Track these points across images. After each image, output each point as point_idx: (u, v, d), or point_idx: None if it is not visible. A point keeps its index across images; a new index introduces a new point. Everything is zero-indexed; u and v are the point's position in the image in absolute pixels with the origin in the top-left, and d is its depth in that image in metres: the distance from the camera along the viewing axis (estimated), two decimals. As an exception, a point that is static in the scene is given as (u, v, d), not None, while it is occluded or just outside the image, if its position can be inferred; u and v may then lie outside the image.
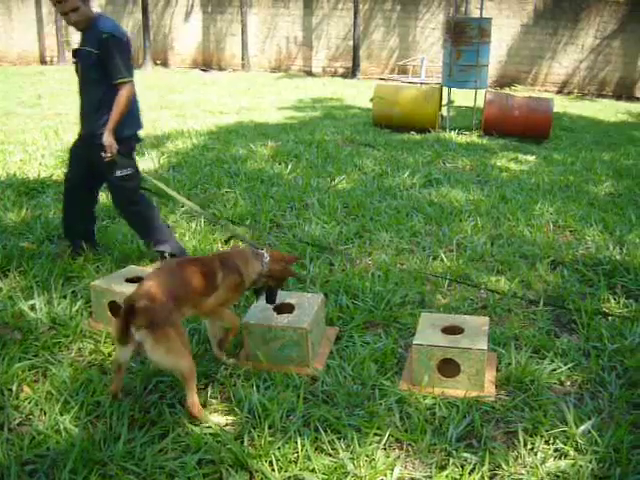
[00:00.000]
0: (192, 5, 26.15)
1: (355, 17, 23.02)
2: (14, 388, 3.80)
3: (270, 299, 4.26)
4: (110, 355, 4.20)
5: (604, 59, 21.32)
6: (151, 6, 25.46)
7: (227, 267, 3.98)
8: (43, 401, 3.69)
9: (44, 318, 4.61)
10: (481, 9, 12.86)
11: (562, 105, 17.11)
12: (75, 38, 27.07)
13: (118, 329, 3.42)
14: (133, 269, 4.96)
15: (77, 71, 5.27)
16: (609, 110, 17.84)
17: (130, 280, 4.65)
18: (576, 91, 21.62)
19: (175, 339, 3.46)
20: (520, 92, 18.86)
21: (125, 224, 6.50)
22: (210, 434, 3.43)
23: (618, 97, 21.00)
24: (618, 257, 5.96)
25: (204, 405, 3.70)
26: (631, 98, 20.78)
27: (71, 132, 11.02)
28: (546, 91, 21.51)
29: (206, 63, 26.25)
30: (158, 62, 26.08)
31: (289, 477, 3.15)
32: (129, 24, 26.97)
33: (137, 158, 8.98)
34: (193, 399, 3.52)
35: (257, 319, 4.22)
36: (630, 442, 3.43)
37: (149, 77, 21.80)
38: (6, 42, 25.71)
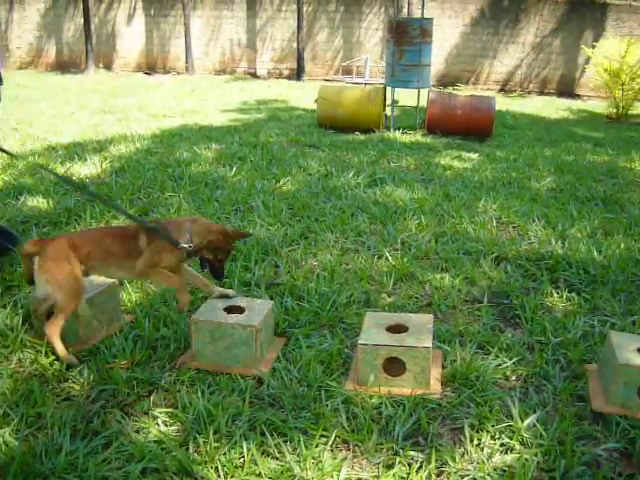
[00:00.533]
0: (134, 8, 25.92)
1: (299, 19, 23.05)
2: (-49, 402, 3.70)
3: (213, 273, 4.41)
4: (51, 365, 4.11)
5: (545, 57, 21.70)
6: (93, 9, 25.15)
7: (152, 233, 4.28)
8: (-18, 414, 3.59)
9: (-17, 329, 4.49)
10: (422, 9, 12.95)
11: (504, 103, 17.36)
12: (16, 42, 26.69)
13: (25, 269, 4.26)
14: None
15: None
16: (550, 107, 18.14)
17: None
18: (518, 89, 21.96)
19: (56, 273, 4.09)
20: (463, 91, 19.06)
21: (66, 230, 6.40)
22: (154, 442, 3.37)
23: (559, 94, 21.37)
24: (560, 251, 6.04)
25: (147, 412, 3.64)
26: (572, 95, 21.17)
27: (11, 139, 10.84)
28: (489, 89, 21.81)
29: (150, 66, 26.03)
30: (101, 66, 25.78)
31: (235, 482, 3.12)
32: (71, 28, 26.64)
33: (79, 163, 8.92)
34: (53, 328, 4.07)
35: (206, 316, 4.18)
36: (574, 434, 3.46)
37: (92, 81, 21.53)
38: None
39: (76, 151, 9.91)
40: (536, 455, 3.31)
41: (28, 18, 26.96)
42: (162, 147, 10.44)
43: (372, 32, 23.42)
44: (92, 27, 24.90)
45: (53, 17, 26.86)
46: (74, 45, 26.75)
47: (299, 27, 23.19)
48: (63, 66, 26.87)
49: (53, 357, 4.19)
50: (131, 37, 26.20)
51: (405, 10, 21.97)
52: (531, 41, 21.76)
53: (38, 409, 3.65)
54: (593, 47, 17.88)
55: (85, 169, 8.83)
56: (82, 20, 24.57)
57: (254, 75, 25.00)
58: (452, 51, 22.59)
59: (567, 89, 21.42)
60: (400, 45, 12.25)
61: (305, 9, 23.30)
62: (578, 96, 21.17)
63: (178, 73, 25.08)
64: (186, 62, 24.99)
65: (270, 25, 24.64)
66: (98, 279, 4.77)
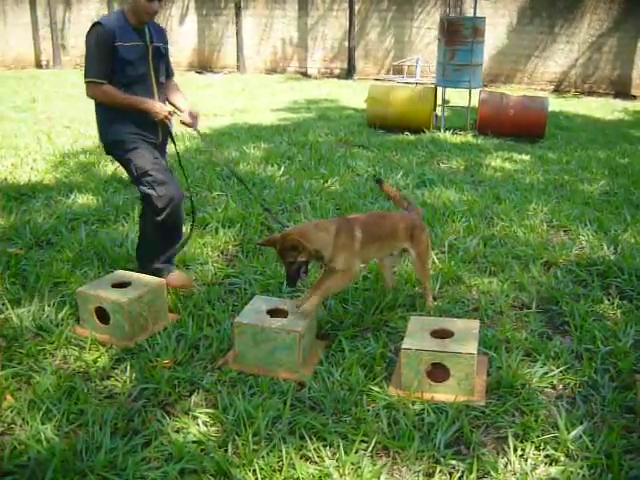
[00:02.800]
0: (187, 7, 26.11)
1: (350, 17, 22.97)
2: (-4, 397, 3.74)
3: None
4: (95, 362, 4.14)
5: (600, 57, 21.27)
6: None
7: None
8: (25, 410, 3.61)
9: (30, 325, 4.55)
10: (475, 8, 12.78)
11: (558, 104, 17.07)
12: (72, 41, 27.12)
13: None
14: (120, 274, 4.89)
15: (147, 66, 5.00)
16: (605, 108, 17.79)
17: (116, 285, 4.59)
18: (572, 89, 21.57)
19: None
20: (515, 91, 18.80)
21: (114, 228, 6.47)
22: (194, 442, 3.37)
23: (614, 95, 20.94)
24: (612, 257, 5.90)
25: (187, 412, 3.64)
26: (627, 96, 20.72)
27: (64, 136, 11.01)
28: (542, 90, 21.46)
29: (202, 65, 26.21)
30: (153, 65, 26.00)
31: (273, 486, 3.09)
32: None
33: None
34: None
35: (250, 319, 4.17)
36: (622, 447, 3.37)
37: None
38: (1, 46, 25.63)
39: (127, 149, 9.98)
40: (582, 468, 3.23)
41: (85, 17, 27.32)
42: (211, 146, 10.47)
43: (424, 31, 23.23)
44: (146, 26, 25.17)
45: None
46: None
47: (350, 26, 23.10)
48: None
49: (97, 354, 4.23)
50: (183, 36, 26.40)
51: (458, 9, 21.76)
52: (586, 40, 21.35)
53: (80, 406, 3.68)
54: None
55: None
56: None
57: (305, 74, 25.00)
58: (504, 50, 22.28)
59: (623, 90, 20.96)
60: (452, 44, 12.13)
61: (357, 8, 23.21)
62: (634, 97, 20.70)
63: (229, 72, 25.21)
64: (237, 61, 25.10)
65: (321, 24, 24.61)
66: (145, 277, 4.80)
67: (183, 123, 5.30)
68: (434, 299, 5.08)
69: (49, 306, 4.81)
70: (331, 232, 4.31)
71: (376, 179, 5.56)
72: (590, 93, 21.30)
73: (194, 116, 5.27)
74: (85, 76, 4.83)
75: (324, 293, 4.38)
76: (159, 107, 4.91)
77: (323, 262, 4.35)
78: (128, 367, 4.07)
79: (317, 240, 4.22)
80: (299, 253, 4.13)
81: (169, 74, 5.29)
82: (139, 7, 4.73)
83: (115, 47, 4.70)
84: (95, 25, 4.76)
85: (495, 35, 21.19)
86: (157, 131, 5.10)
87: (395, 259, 5.11)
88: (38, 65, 26.65)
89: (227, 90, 19.30)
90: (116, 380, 3.97)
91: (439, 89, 12.94)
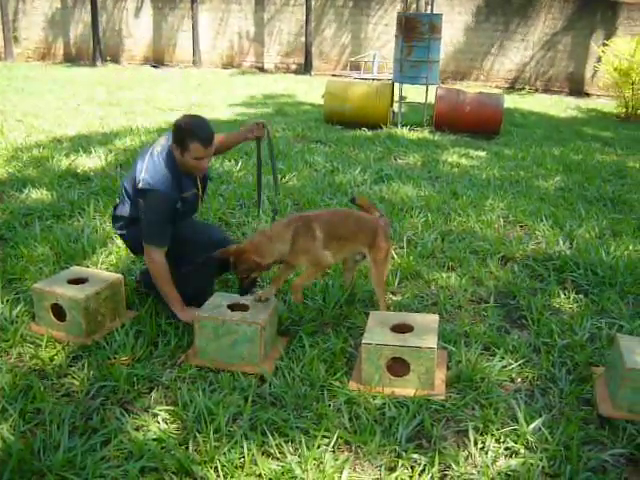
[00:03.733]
0: (142, 1, 25.85)
1: (307, 13, 22.99)
2: (-51, 396, 3.65)
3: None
4: (51, 359, 4.07)
5: (554, 55, 21.59)
6: (101, 2, 25.09)
7: None
8: (-20, 409, 3.54)
9: (-17, 322, 4.45)
10: (432, 5, 12.90)
11: (513, 101, 17.27)
12: (24, 34, 26.65)
13: None
14: (76, 270, 4.81)
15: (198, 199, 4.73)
16: (559, 106, 18.05)
17: (72, 281, 4.51)
18: (526, 87, 21.85)
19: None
20: (471, 88, 18.96)
21: (69, 223, 6.37)
22: (154, 440, 3.32)
23: (568, 93, 21.26)
24: (568, 252, 5.97)
25: (147, 409, 3.60)
26: (581, 94, 21.06)
27: (17, 130, 10.80)
28: (497, 87, 21.70)
29: (157, 59, 25.99)
30: (109, 58, 25.73)
31: (235, 483, 3.06)
32: (79, 20, 26.60)
33: (84, 155, 8.88)
34: None
35: (210, 313, 4.13)
36: (580, 438, 3.42)
37: (99, 74, 21.49)
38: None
39: (81, 144, 9.86)
40: (541, 460, 3.26)
41: (36, 9, 26.91)
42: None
43: (381, 28, 23.32)
44: (100, 19, 24.87)
45: (61, 9, 26.81)
46: (82, 37, 26.69)
47: (307, 21, 23.11)
48: (71, 59, 26.84)
49: (54, 352, 4.15)
50: (138, 30, 26.14)
51: (414, 6, 21.87)
52: (540, 38, 21.64)
53: (37, 405, 3.61)
54: (604, 45, 17.74)
55: (90, 162, 8.78)
56: (90, 12, 24.51)
57: (261, 69, 24.93)
58: (461, 47, 22.48)
59: (576, 88, 21.29)
60: (409, 41, 12.18)
61: (313, 3, 23.21)
62: (587, 95, 21.05)
63: (185, 66, 25.02)
64: (193, 55, 24.94)
65: (278, 19, 24.56)
66: (103, 273, 4.74)
67: (256, 137, 4.98)
68: (393, 294, 5.11)
69: (3, 303, 4.70)
70: (287, 239, 4.27)
71: (351, 199, 5.34)
72: (544, 90, 21.60)
73: (260, 126, 4.90)
74: (148, 240, 4.39)
75: (298, 285, 4.42)
76: (184, 317, 4.43)
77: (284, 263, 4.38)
78: (85, 364, 4.01)
79: (273, 253, 4.23)
80: (253, 270, 4.18)
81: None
82: (188, 166, 4.35)
83: (176, 209, 4.39)
84: (154, 191, 4.28)
85: (451, 32, 21.37)
86: None
87: (356, 263, 5.00)
88: (-12, 58, 26.19)
89: (183, 84, 19.16)
90: (73, 378, 3.89)
91: (396, 85, 12.99)
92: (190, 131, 4.21)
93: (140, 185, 4.28)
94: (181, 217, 4.47)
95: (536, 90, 21.64)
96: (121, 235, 4.80)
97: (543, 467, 3.22)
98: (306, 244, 4.30)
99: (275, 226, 4.43)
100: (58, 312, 4.38)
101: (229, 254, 4.20)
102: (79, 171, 8.33)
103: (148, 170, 4.30)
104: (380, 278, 4.66)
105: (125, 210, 4.59)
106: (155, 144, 4.51)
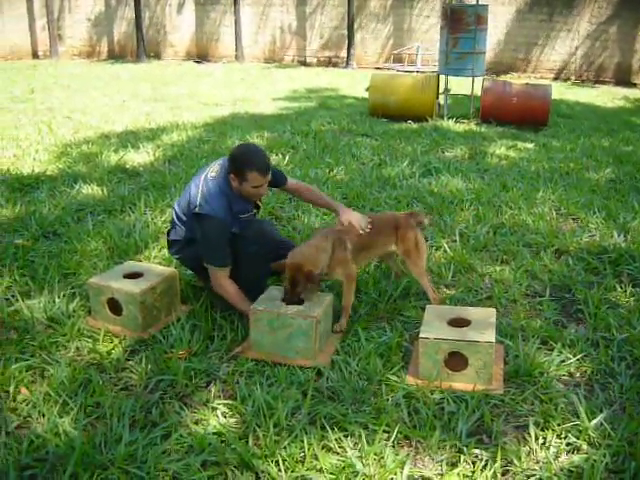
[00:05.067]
0: (185, -3, 26.02)
1: (349, 5, 22.87)
2: (11, 390, 3.69)
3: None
4: (109, 353, 4.11)
5: (600, 45, 21.22)
6: (144, -1, 25.32)
7: None
8: (41, 403, 3.58)
9: (41, 317, 4.51)
10: (477, -5, 12.72)
11: (559, 92, 17.00)
12: (69, 32, 26.99)
13: None
14: (131, 264, 4.86)
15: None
16: (606, 96, 17.75)
17: (128, 276, 4.55)
18: (573, 78, 21.53)
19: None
20: (516, 79, 18.74)
21: (121, 219, 6.43)
22: (214, 434, 3.34)
23: (615, 83, 20.90)
24: (623, 245, 5.87)
25: (205, 403, 3.61)
26: (628, 84, 20.67)
27: (65, 127, 10.94)
28: (542, 78, 21.39)
29: (200, 55, 26.12)
30: (152, 55, 25.94)
31: (296, 477, 3.05)
32: (123, 16, 26.86)
33: (132, 151, 8.97)
34: None
35: (265, 306, 4.14)
36: (644, 435, 3.35)
37: (143, 70, 21.67)
38: (-2, 37, 25.52)
39: (129, 139, 9.96)
40: (604, 456, 3.19)
41: (80, 7, 27.22)
42: (214, 135, 10.45)
43: (423, 19, 23.15)
44: (143, 16, 25.07)
45: (105, 6, 27.09)
46: (126, 34, 26.95)
47: (349, 14, 23.01)
48: (115, 55, 27.11)
49: (111, 346, 4.19)
50: (181, 26, 26.30)
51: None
52: (586, 28, 21.29)
53: (96, 399, 3.65)
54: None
55: (139, 157, 8.86)
56: (133, 9, 24.74)
57: (303, 63, 24.91)
58: (505, 38, 22.22)
59: (624, 78, 20.91)
60: (454, 32, 12.08)
61: (355, -4, 23.13)
62: (635, 85, 20.66)
63: (228, 61, 25.12)
64: (236, 50, 25.01)
65: (319, 12, 24.51)
66: (157, 268, 4.77)
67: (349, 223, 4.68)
68: (447, 287, 5.07)
69: (59, 297, 4.77)
70: (327, 252, 4.40)
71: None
72: (591, 81, 21.25)
73: (356, 218, 4.67)
74: (210, 263, 4.45)
75: (348, 306, 4.54)
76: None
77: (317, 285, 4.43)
78: (143, 358, 4.04)
79: (321, 264, 4.32)
80: (309, 282, 4.21)
81: (281, 182, 4.80)
82: (246, 194, 4.39)
83: (232, 232, 4.42)
84: (210, 217, 4.30)
85: (495, 24, 21.09)
86: None
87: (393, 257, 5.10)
88: (35, 56, 26.53)
89: (226, 79, 19.23)
90: (131, 372, 3.93)
91: (441, 77, 12.88)
92: (247, 161, 4.27)
93: (197, 210, 4.34)
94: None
95: (582, 81, 21.30)
96: (178, 259, 4.85)
97: (607, 463, 3.16)
98: (342, 255, 4.46)
99: (316, 238, 4.57)
100: (114, 306, 4.42)
101: (283, 267, 4.27)
102: (128, 166, 8.42)
103: (204, 195, 4.35)
104: (417, 268, 4.76)
105: (179, 234, 4.65)
106: (209, 169, 4.55)
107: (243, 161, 4.27)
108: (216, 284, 4.47)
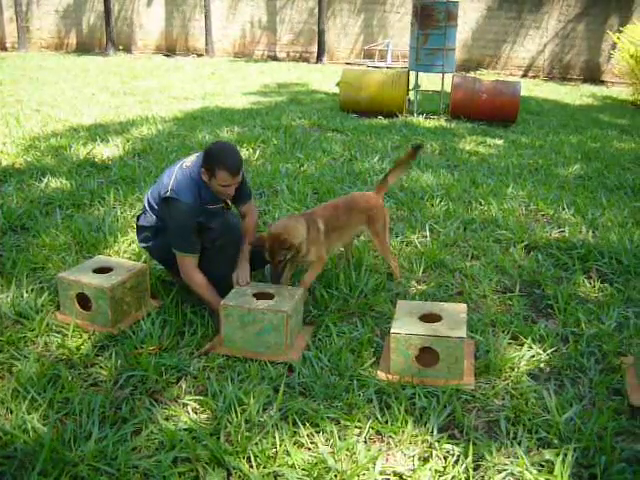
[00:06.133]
0: (154, -10, 25.80)
1: (320, 1, 22.82)
2: (-22, 386, 3.65)
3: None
4: (78, 349, 4.06)
5: (568, 43, 21.43)
6: (113, -10, 25.06)
7: None
8: (9, 399, 3.52)
9: (9, 311, 4.44)
10: (447, -8, 12.75)
11: (528, 89, 17.13)
12: (37, 24, 26.63)
13: None
14: (101, 259, 4.81)
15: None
16: (574, 93, 17.94)
17: (97, 271, 4.50)
18: (541, 75, 21.70)
19: None
20: (486, 76, 18.85)
21: (89, 212, 6.36)
22: (185, 430, 3.31)
23: (583, 81, 21.11)
24: (592, 240, 5.93)
25: (176, 399, 3.59)
26: (596, 81, 20.90)
27: (33, 120, 10.80)
28: (511, 75, 21.57)
29: (170, 49, 25.93)
30: (121, 48, 25.70)
31: (268, 473, 3.03)
32: (91, 9, 26.55)
33: (101, 144, 8.88)
34: None
35: (236, 302, 4.12)
36: (613, 429, 3.38)
37: (112, 63, 21.45)
38: (-37, 28, 25.13)
39: (98, 133, 9.86)
40: (575, 450, 3.22)
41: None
42: (184, 129, 10.37)
43: (393, 15, 23.19)
44: (112, 9, 24.82)
45: (74, -2, 26.81)
46: (94, 27, 26.66)
47: (320, 9, 22.98)
48: (84, 48, 26.81)
49: (80, 341, 4.14)
50: (151, 19, 26.08)
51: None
52: (555, 26, 21.48)
53: (66, 394, 3.60)
54: (619, 32, 17.58)
55: (108, 151, 8.77)
56: (103, 1, 24.49)
57: (273, 58, 24.85)
58: (474, 35, 22.34)
59: (591, 75, 21.13)
60: (425, 28, 12.11)
61: (326, -9, 23.10)
62: (602, 82, 20.89)
63: (198, 55, 24.97)
64: (206, 44, 24.88)
65: (290, 7, 24.45)
66: (127, 262, 4.73)
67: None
68: (417, 282, 5.09)
69: (27, 292, 4.70)
70: (304, 226, 4.51)
71: (416, 146, 5.47)
72: (559, 78, 21.44)
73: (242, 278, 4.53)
74: (177, 249, 4.42)
75: (309, 282, 4.64)
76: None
77: (296, 257, 4.50)
78: (113, 354, 4.00)
79: (299, 235, 4.43)
80: (288, 251, 4.33)
81: (244, 199, 4.77)
82: (215, 190, 4.38)
83: (198, 222, 4.39)
84: (178, 201, 4.30)
85: (465, 20, 21.20)
86: None
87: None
88: (2, 48, 26.20)
89: (196, 74, 19.11)
90: (101, 367, 3.89)
91: (411, 73, 12.91)
92: (219, 159, 4.26)
93: (167, 194, 4.33)
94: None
95: (551, 78, 21.49)
96: (146, 248, 4.81)
97: (577, 458, 3.19)
98: (315, 235, 4.56)
99: (292, 216, 4.82)
100: (83, 301, 4.37)
101: (264, 240, 4.37)
102: (97, 160, 8.33)
103: (176, 181, 4.36)
104: (385, 246, 5.07)
105: (148, 221, 4.63)
106: (186, 159, 4.57)
107: (215, 158, 4.26)
108: (184, 272, 4.44)
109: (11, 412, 3.43)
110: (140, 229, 4.74)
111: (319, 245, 4.58)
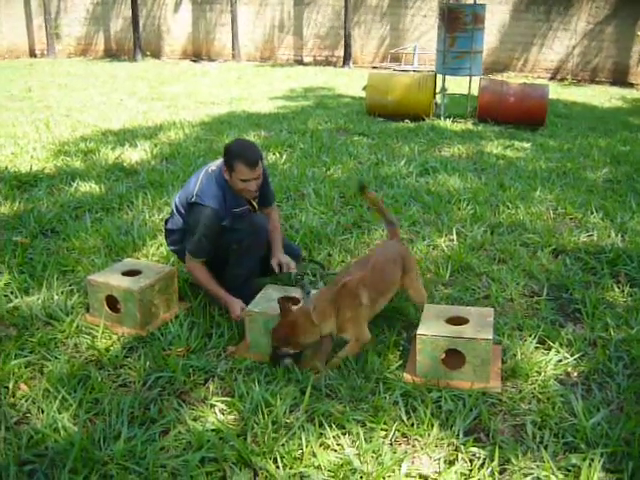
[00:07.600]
0: (181, -4, 26.01)
1: (346, 5, 22.86)
2: (10, 386, 3.70)
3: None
4: (107, 350, 4.11)
5: (597, 45, 21.24)
6: (140, -3, 25.31)
7: None
8: (40, 399, 3.59)
9: (40, 313, 4.51)
10: (474, -5, 12.73)
11: (556, 91, 17.03)
12: (65, 30, 26.95)
13: None
14: (130, 262, 4.87)
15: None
16: (603, 96, 17.79)
17: (126, 273, 4.55)
18: (569, 77, 21.54)
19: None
20: (513, 79, 18.76)
21: (118, 216, 6.43)
22: (212, 430, 3.34)
23: (612, 83, 20.93)
24: (620, 245, 5.89)
25: (204, 400, 3.62)
26: (625, 84, 20.70)
27: (62, 125, 10.94)
28: (539, 77, 21.42)
29: (196, 54, 26.12)
30: (148, 53, 25.91)
31: (294, 474, 3.06)
32: (119, 15, 26.83)
33: (130, 149, 8.97)
34: None
35: (261, 308, 4.15)
36: (641, 434, 3.36)
37: (140, 68, 21.64)
38: (-5, 35, 25.48)
39: (126, 137, 9.97)
40: (602, 455, 3.20)
41: (77, 6, 27.19)
42: (211, 134, 10.45)
43: (420, 19, 23.15)
44: (140, 15, 25.05)
45: (102, 5, 27.06)
46: (122, 33, 26.93)
47: (346, 13, 23.00)
48: (111, 54, 27.09)
49: (109, 342, 4.20)
50: (178, 25, 26.28)
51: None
52: (583, 28, 21.32)
53: (95, 395, 3.66)
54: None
55: (136, 155, 8.86)
56: (130, 7, 24.74)
57: (299, 62, 24.91)
58: (501, 37, 22.24)
59: (620, 78, 20.92)
60: (452, 32, 12.09)
61: (351, -5, 23.13)
62: (632, 85, 20.69)
63: (225, 60, 25.11)
64: (232, 49, 25.01)
65: (316, 11, 24.50)
66: (156, 265, 4.78)
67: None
68: (444, 286, 5.09)
69: (58, 294, 4.78)
70: (329, 313, 3.92)
71: (360, 186, 4.98)
72: (588, 81, 21.27)
73: (285, 262, 4.66)
74: (190, 251, 4.50)
75: (339, 361, 4.01)
76: (236, 310, 4.37)
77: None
78: (141, 355, 4.05)
79: (314, 334, 3.91)
80: (290, 346, 3.87)
81: (268, 201, 4.86)
82: (236, 188, 4.41)
83: (223, 226, 4.42)
84: (203, 207, 4.35)
85: (492, 22, 21.12)
86: None
87: None
88: (32, 54, 26.54)
89: (223, 78, 19.23)
90: (130, 368, 3.94)
91: (438, 77, 12.89)
92: (237, 153, 4.34)
93: (193, 200, 4.41)
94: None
95: (579, 80, 21.33)
96: (174, 251, 4.90)
97: (604, 463, 3.17)
98: (354, 313, 3.99)
99: (320, 295, 4.09)
100: (112, 303, 4.43)
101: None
102: (126, 164, 8.42)
103: (201, 187, 4.45)
104: (421, 293, 4.51)
105: (175, 224, 4.71)
106: (212, 163, 4.67)
107: (234, 153, 4.35)
108: (188, 266, 4.62)
109: (42, 412, 3.49)
110: (169, 232, 4.82)
111: (359, 322, 4.02)
